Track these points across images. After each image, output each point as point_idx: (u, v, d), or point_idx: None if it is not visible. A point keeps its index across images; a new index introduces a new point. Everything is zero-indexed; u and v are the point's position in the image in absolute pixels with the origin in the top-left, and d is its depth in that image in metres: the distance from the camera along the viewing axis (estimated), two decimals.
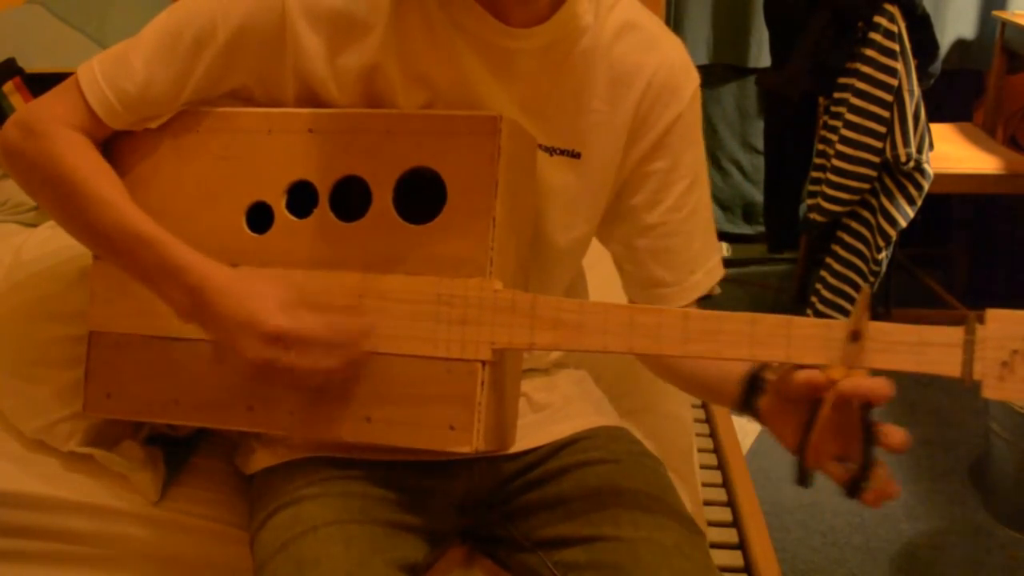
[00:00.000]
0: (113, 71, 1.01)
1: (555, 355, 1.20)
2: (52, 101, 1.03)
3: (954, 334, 0.83)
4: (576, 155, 1.05)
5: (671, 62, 1.06)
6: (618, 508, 1.02)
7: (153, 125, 1.04)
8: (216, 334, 0.96)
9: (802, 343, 0.87)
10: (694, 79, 1.09)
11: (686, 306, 1.13)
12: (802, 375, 0.87)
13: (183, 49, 1.00)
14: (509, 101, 1.02)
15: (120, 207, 0.98)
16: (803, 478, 0.88)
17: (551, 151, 1.05)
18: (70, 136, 1.01)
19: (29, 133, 1.01)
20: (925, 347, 0.84)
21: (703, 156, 1.12)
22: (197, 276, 0.94)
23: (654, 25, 1.08)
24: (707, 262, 1.14)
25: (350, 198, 1.00)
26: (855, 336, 0.85)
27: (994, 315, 0.82)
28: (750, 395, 0.97)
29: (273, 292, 0.93)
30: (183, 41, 1.00)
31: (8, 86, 1.96)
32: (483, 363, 0.94)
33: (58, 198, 1.01)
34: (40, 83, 1.90)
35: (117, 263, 1.01)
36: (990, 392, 0.82)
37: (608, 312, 0.92)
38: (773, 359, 0.89)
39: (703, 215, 1.13)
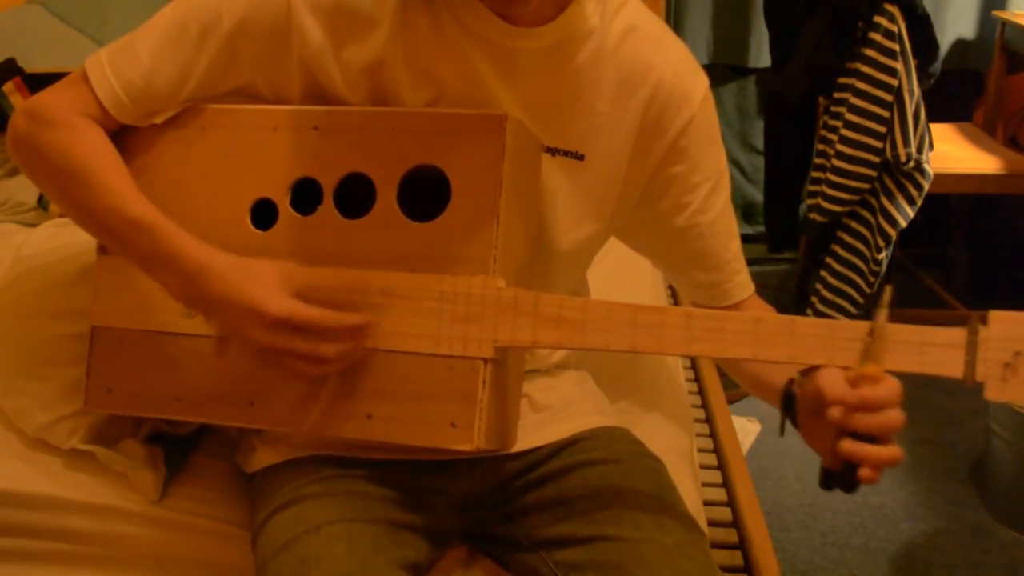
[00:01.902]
0: (120, 62, 1.01)
1: (557, 356, 1.20)
2: (60, 92, 1.03)
3: (957, 335, 0.83)
4: (579, 157, 1.05)
5: (677, 66, 1.06)
6: (619, 508, 1.02)
7: (158, 120, 1.04)
8: (218, 320, 0.97)
9: (804, 343, 0.87)
10: (703, 81, 1.08)
11: (741, 302, 1.16)
12: (812, 387, 0.89)
13: (189, 39, 1.00)
14: (512, 101, 1.01)
15: (121, 193, 0.99)
16: (826, 482, 0.89)
17: (553, 152, 1.05)
18: (77, 123, 1.01)
19: (36, 121, 1.01)
20: (928, 347, 0.84)
21: (724, 157, 1.13)
22: (195, 263, 0.95)
23: (659, 28, 1.08)
24: (745, 263, 1.16)
25: (354, 195, 1.00)
26: (871, 332, 0.86)
27: (997, 316, 0.82)
28: (789, 414, 0.99)
29: (274, 278, 0.94)
30: (189, 32, 1.00)
31: (8, 86, 1.96)
32: (485, 361, 0.94)
33: (62, 185, 1.02)
34: (40, 83, 1.89)
35: (118, 250, 1.02)
36: (992, 394, 0.82)
37: (611, 311, 0.92)
38: (775, 359, 0.89)
39: (731, 217, 1.14)
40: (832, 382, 0.87)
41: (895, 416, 0.85)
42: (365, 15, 0.99)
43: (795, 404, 0.98)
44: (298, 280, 0.94)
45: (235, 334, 0.96)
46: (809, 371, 0.98)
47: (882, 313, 0.86)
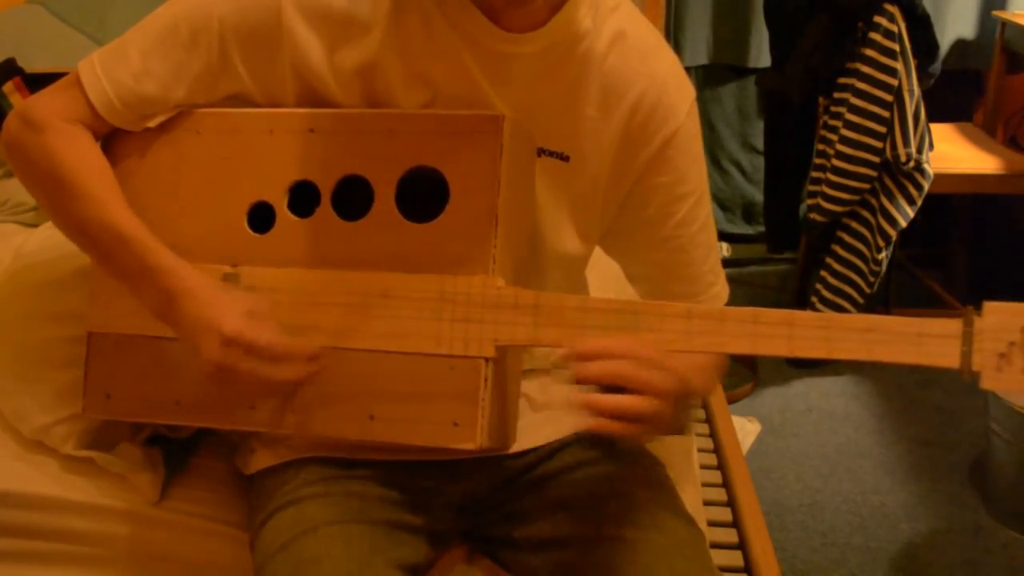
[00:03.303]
0: (111, 64, 1.01)
1: (557, 355, 1.20)
2: (53, 95, 1.03)
3: (952, 326, 0.84)
4: (564, 158, 1.05)
5: (664, 77, 1.06)
6: (618, 508, 1.02)
7: (152, 124, 1.04)
8: (181, 335, 0.97)
9: (804, 334, 0.88)
10: (689, 94, 1.08)
11: None
12: None
13: (180, 42, 1.00)
14: (504, 104, 1.01)
15: (105, 204, 0.99)
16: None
17: (539, 152, 1.05)
18: (68, 129, 1.01)
19: (28, 126, 1.01)
20: (924, 339, 0.85)
21: (705, 172, 1.13)
22: (172, 279, 0.96)
23: (650, 36, 1.08)
24: (721, 274, 1.15)
25: (352, 197, 1.00)
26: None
27: (991, 307, 0.83)
28: None
29: (238, 303, 0.95)
30: (179, 34, 1.00)
31: (8, 86, 1.96)
32: (486, 360, 0.94)
33: (49, 191, 1.02)
34: (40, 83, 1.89)
35: (99, 260, 1.02)
36: (988, 383, 0.83)
37: (611, 308, 0.92)
38: (775, 353, 0.89)
39: (711, 230, 1.14)
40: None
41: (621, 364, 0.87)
42: (357, 18, 0.99)
43: None
44: (270, 310, 0.96)
45: (193, 350, 0.95)
46: None
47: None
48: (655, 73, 1.05)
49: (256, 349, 0.92)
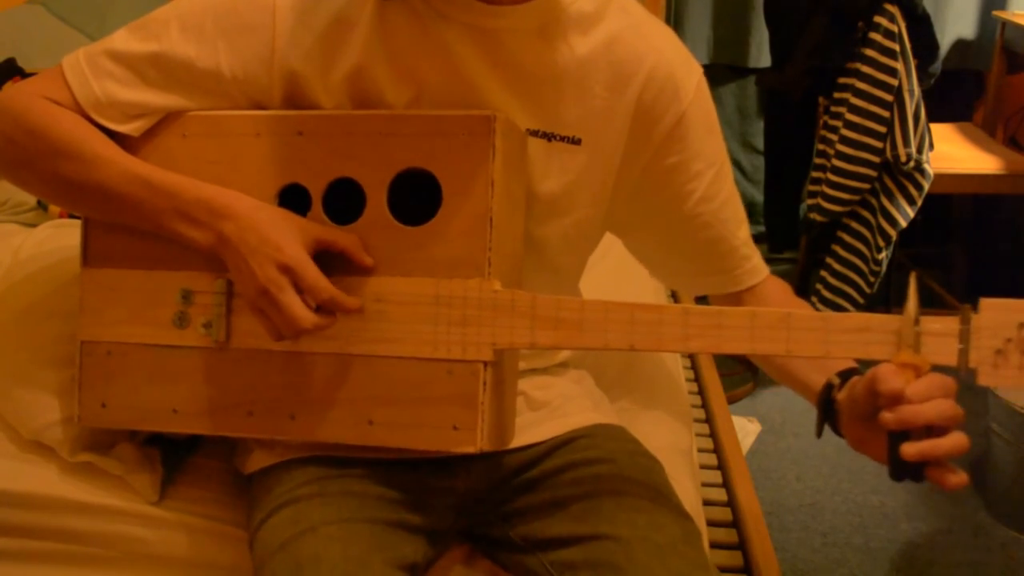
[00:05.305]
0: (98, 61, 1.01)
1: (560, 357, 1.19)
2: (35, 85, 1.02)
3: (950, 323, 0.84)
4: (576, 141, 1.04)
5: (672, 56, 1.06)
6: (614, 507, 1.02)
7: (137, 123, 1.02)
8: (236, 252, 0.95)
9: (801, 337, 0.87)
10: (696, 71, 1.08)
11: (755, 286, 1.15)
12: (861, 392, 0.87)
13: (170, 45, 1.00)
14: (499, 85, 1.00)
15: (122, 158, 0.99)
16: (911, 475, 0.84)
17: (549, 137, 1.04)
18: (50, 105, 1.00)
19: (7, 113, 1.00)
20: (922, 337, 0.84)
21: (723, 145, 1.12)
22: (222, 202, 0.96)
23: (651, 19, 1.08)
24: (756, 249, 1.15)
25: (343, 201, 0.99)
26: (916, 321, 0.85)
27: (988, 304, 0.84)
28: (828, 419, 0.98)
29: (293, 226, 0.95)
30: (170, 37, 1.00)
31: (8, 86, 1.96)
32: (485, 364, 0.93)
33: (51, 167, 1.00)
34: None
35: (127, 216, 1.00)
36: (985, 379, 0.83)
37: (608, 310, 0.92)
38: (773, 353, 0.89)
39: (737, 204, 1.13)
40: (886, 378, 0.84)
41: (949, 404, 0.83)
42: (344, 19, 0.99)
43: (835, 410, 0.96)
44: (312, 233, 0.95)
45: (243, 268, 0.94)
46: (846, 374, 0.97)
47: (912, 300, 0.85)
48: (662, 52, 1.05)
49: (306, 284, 0.92)
